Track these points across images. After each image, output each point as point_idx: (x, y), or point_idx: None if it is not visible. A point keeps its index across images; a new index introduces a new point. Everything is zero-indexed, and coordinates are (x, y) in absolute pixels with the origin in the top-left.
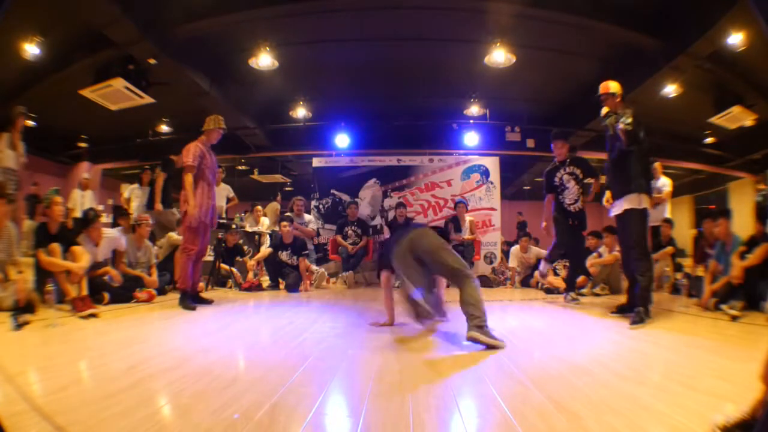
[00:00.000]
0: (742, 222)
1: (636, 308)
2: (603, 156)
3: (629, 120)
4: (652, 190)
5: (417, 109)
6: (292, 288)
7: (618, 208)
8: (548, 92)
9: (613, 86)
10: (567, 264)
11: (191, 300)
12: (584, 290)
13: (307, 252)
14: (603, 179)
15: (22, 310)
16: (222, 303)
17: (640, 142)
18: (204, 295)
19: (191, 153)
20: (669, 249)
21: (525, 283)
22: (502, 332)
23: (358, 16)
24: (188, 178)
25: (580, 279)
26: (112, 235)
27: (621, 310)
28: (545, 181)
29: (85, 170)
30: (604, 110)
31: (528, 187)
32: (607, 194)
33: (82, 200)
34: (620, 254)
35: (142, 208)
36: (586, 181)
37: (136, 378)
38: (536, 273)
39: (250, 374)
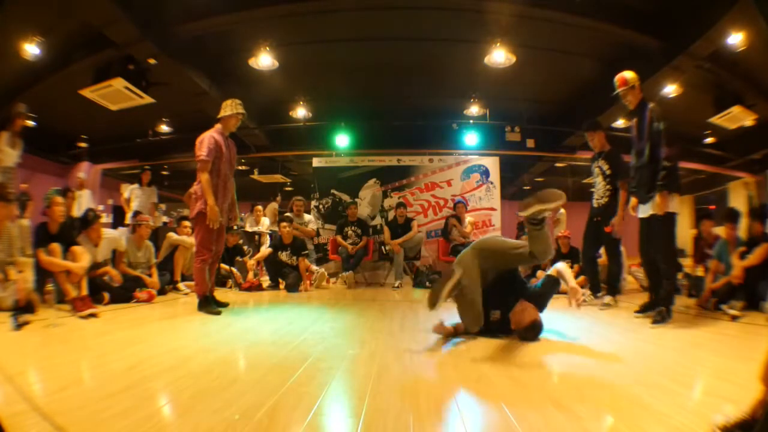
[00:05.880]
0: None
1: (658, 308)
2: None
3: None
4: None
5: (417, 109)
6: (292, 288)
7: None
8: (548, 92)
9: (630, 77)
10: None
11: (216, 303)
12: (584, 290)
13: (306, 252)
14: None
15: (22, 310)
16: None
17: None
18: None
19: (205, 145)
20: None
21: None
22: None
23: (358, 16)
24: (204, 175)
25: (580, 279)
26: (112, 236)
27: (644, 309)
28: None
29: (81, 170)
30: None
31: (528, 187)
32: (633, 201)
33: (79, 200)
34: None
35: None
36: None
37: (136, 378)
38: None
39: (250, 374)
